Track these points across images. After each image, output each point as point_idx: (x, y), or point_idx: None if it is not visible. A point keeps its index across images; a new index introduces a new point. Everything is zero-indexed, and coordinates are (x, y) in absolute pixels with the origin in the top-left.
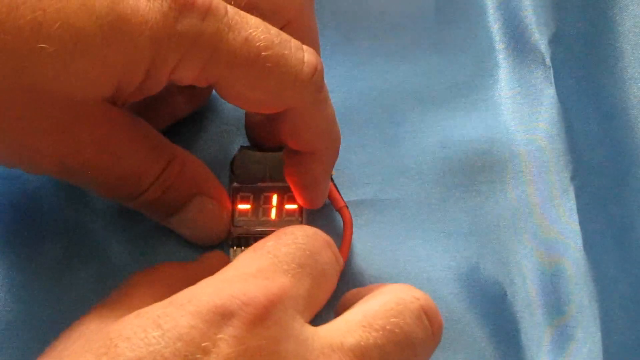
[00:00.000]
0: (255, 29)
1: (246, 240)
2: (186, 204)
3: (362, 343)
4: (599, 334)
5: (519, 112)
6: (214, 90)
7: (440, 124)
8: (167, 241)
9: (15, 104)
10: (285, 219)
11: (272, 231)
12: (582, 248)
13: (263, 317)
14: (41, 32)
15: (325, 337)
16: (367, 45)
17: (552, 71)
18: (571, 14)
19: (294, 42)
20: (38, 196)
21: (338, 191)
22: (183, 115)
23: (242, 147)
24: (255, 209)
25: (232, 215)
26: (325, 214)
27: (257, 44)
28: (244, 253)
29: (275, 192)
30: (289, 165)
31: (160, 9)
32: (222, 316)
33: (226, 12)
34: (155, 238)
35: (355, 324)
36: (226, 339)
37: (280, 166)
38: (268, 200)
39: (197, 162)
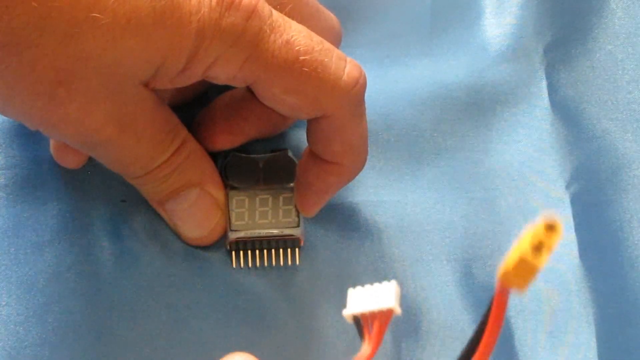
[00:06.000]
0: (298, 34)
1: (245, 244)
2: (183, 192)
3: None
4: (594, 340)
5: (513, 119)
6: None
7: (433, 129)
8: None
9: (56, 68)
10: (282, 221)
11: (271, 234)
12: (577, 255)
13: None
14: (97, 3)
15: None
16: (360, 51)
17: (545, 81)
18: (567, 22)
19: (337, 53)
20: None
21: None
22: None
23: (232, 152)
24: (251, 213)
25: (229, 221)
26: (322, 215)
27: (297, 47)
28: None
29: (270, 194)
30: (305, 165)
31: (209, 3)
32: None
33: (271, 14)
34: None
35: None
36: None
37: (272, 168)
38: (264, 204)
39: (203, 152)
